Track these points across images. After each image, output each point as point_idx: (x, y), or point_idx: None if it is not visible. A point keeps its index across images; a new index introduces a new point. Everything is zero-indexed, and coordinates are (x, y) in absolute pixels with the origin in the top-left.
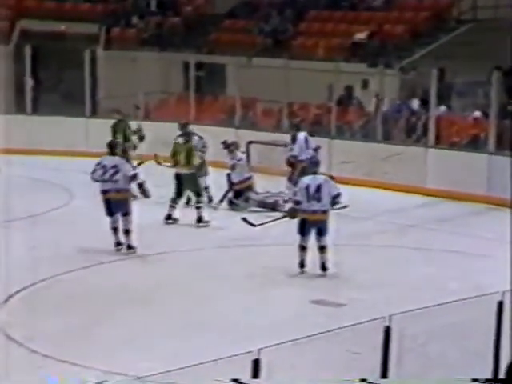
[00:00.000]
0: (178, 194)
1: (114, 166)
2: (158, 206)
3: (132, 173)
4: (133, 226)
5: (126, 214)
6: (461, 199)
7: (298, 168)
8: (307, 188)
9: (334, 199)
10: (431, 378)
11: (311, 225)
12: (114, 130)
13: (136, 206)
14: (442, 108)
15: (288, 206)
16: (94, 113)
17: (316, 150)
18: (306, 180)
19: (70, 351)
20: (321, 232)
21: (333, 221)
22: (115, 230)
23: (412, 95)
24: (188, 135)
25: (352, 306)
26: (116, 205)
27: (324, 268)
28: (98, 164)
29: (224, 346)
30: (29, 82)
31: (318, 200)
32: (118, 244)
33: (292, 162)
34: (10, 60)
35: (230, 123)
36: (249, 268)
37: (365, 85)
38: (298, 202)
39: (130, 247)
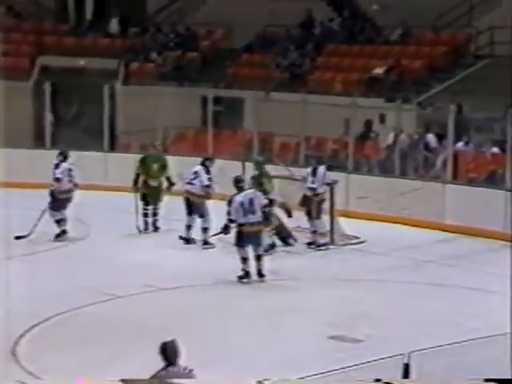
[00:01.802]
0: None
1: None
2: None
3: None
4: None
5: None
6: (478, 235)
7: (315, 202)
8: (242, 204)
9: (265, 208)
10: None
11: (249, 236)
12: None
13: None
14: (460, 144)
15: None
16: (113, 147)
17: (330, 184)
18: (239, 198)
19: None
20: (257, 242)
21: (350, 256)
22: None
23: (429, 130)
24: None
25: (369, 342)
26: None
27: (261, 275)
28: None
29: (242, 382)
30: (48, 117)
31: (253, 213)
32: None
33: (306, 197)
34: (30, 96)
35: (248, 157)
36: (265, 303)
37: (382, 119)
38: (231, 221)
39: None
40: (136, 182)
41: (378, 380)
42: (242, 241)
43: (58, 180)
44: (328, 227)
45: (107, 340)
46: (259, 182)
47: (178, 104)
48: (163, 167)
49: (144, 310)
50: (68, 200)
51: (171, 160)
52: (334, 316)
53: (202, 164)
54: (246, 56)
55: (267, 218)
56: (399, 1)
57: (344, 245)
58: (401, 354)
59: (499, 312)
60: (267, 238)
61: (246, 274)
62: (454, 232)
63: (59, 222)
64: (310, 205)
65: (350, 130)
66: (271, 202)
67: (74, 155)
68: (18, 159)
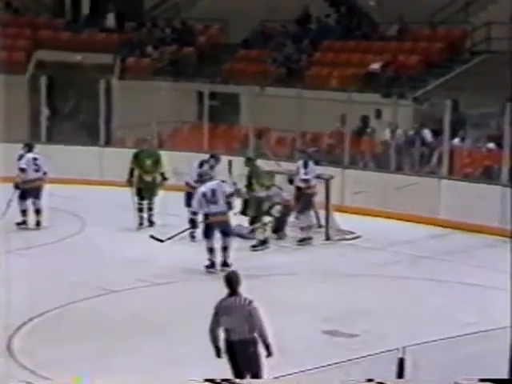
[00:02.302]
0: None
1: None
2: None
3: None
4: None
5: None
6: (473, 231)
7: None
8: (204, 195)
9: (228, 198)
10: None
11: (214, 226)
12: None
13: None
14: (456, 140)
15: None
16: (108, 142)
17: (326, 179)
18: (201, 189)
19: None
20: (224, 233)
21: (345, 251)
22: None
23: (425, 126)
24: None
25: (365, 336)
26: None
27: (226, 264)
28: None
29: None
30: (44, 112)
31: (215, 203)
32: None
33: (299, 189)
34: (25, 90)
35: (244, 152)
36: (259, 298)
37: (378, 115)
38: (195, 213)
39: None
40: (130, 176)
41: (370, 380)
42: (207, 231)
43: (22, 170)
44: (315, 221)
45: (102, 334)
46: (249, 182)
47: (174, 99)
48: (156, 162)
49: (138, 304)
50: (36, 189)
51: (167, 155)
52: (329, 311)
53: (207, 161)
54: (243, 51)
55: (231, 207)
56: None
57: (339, 240)
58: (395, 349)
59: (495, 307)
60: (259, 234)
61: (212, 264)
62: (449, 227)
63: (24, 211)
64: (300, 197)
65: (346, 125)
66: (233, 193)
67: (69, 149)
68: (13, 153)
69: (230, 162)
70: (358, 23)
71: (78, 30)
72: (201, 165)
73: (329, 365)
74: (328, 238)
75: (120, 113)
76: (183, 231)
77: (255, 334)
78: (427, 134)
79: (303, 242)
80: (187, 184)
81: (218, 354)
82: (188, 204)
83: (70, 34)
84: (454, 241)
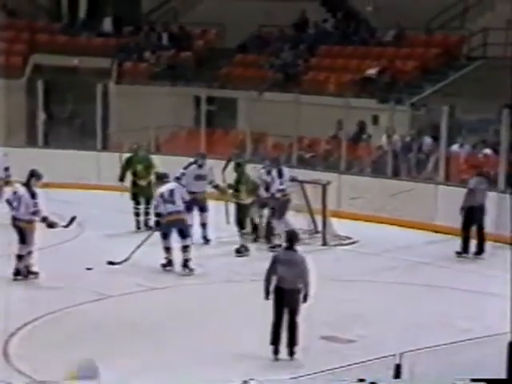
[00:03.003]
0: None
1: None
2: None
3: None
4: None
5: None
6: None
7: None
8: (162, 196)
9: (186, 202)
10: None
11: (171, 226)
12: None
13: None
14: (455, 146)
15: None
16: (105, 146)
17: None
18: (160, 189)
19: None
20: (182, 233)
21: (342, 256)
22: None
23: (422, 132)
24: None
25: (361, 342)
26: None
27: (186, 266)
28: None
29: (236, 379)
30: (41, 116)
31: (172, 203)
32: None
33: (274, 198)
34: (22, 94)
35: (241, 157)
36: (257, 303)
37: (375, 121)
38: (159, 214)
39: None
40: (122, 177)
41: (361, 380)
42: (163, 231)
43: None
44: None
45: (99, 339)
46: (236, 188)
47: (171, 103)
48: (148, 167)
49: (135, 309)
50: None
51: (164, 159)
52: (326, 316)
53: (194, 162)
54: (240, 56)
55: (189, 209)
56: (393, 2)
57: (336, 245)
58: (392, 355)
59: (491, 313)
60: (241, 239)
61: (169, 263)
62: (445, 233)
63: None
64: (276, 205)
65: (343, 130)
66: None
67: (66, 154)
68: (10, 158)
69: (228, 160)
70: (355, 29)
71: (75, 34)
72: (186, 167)
73: (326, 370)
74: (325, 244)
75: (117, 117)
76: (140, 244)
77: (301, 285)
78: (426, 140)
79: (275, 248)
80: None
81: (267, 297)
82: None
83: (67, 38)
84: (451, 247)
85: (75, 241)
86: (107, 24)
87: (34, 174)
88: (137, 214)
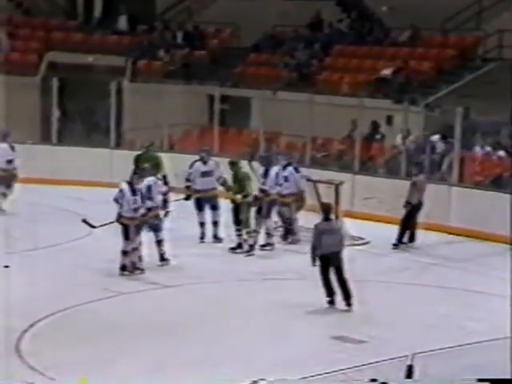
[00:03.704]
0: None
1: None
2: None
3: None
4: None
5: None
6: (483, 239)
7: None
8: (139, 191)
9: (164, 196)
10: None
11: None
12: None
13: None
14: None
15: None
16: (119, 144)
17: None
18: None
19: (90, 381)
20: (155, 228)
21: (354, 256)
22: None
23: (436, 133)
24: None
25: (373, 343)
26: None
27: (163, 259)
28: None
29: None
30: (55, 113)
31: (150, 199)
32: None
33: (257, 198)
34: (37, 91)
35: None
36: (270, 302)
37: (389, 121)
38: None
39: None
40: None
41: (373, 380)
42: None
43: None
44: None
45: (110, 336)
46: (227, 187)
47: (185, 102)
48: (156, 166)
49: (147, 307)
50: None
51: (177, 157)
52: (338, 316)
53: (199, 159)
54: (254, 55)
55: (166, 205)
56: (408, 2)
57: (348, 245)
58: (404, 356)
59: (503, 315)
60: (237, 237)
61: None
62: (459, 235)
63: None
64: (261, 204)
65: (357, 130)
66: (168, 192)
67: (80, 151)
68: (24, 154)
69: (251, 157)
70: (369, 29)
71: (90, 32)
72: (191, 165)
73: (336, 371)
74: None
75: (131, 115)
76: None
77: (343, 248)
78: (439, 141)
79: (265, 246)
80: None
81: (314, 263)
82: (199, 207)
83: (82, 36)
84: (464, 248)
85: (87, 238)
86: (122, 22)
87: (136, 172)
88: None
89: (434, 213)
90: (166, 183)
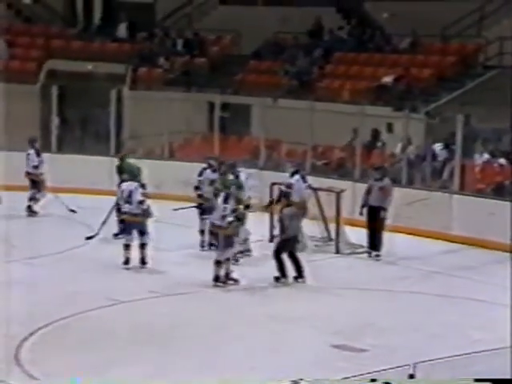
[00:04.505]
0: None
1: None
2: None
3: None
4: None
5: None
6: (485, 247)
7: None
8: (122, 192)
9: (139, 204)
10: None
11: (130, 225)
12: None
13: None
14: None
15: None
16: (119, 152)
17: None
18: (123, 186)
19: None
20: (140, 232)
21: (355, 264)
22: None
23: (438, 141)
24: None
25: (373, 351)
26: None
27: (143, 263)
28: None
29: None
30: (55, 121)
31: (130, 203)
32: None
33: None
34: (36, 99)
35: (254, 164)
36: (269, 310)
37: (390, 128)
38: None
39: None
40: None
41: (373, 380)
42: (123, 228)
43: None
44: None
45: (110, 344)
46: (215, 193)
47: (185, 109)
48: (134, 176)
49: (146, 315)
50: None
51: (177, 165)
52: (339, 324)
53: (208, 167)
54: (254, 62)
55: (147, 214)
56: (409, 9)
57: (349, 253)
58: (406, 365)
59: (505, 324)
60: (238, 245)
61: (127, 261)
62: (460, 243)
63: None
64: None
65: (358, 138)
66: (143, 201)
67: (79, 159)
68: (24, 162)
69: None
70: (370, 36)
71: (90, 40)
72: (200, 173)
73: (336, 380)
74: (338, 252)
75: (131, 123)
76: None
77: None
78: (440, 150)
79: (240, 254)
80: (199, 196)
81: (361, 213)
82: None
83: (82, 44)
84: (465, 256)
85: (88, 246)
86: (122, 30)
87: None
88: (120, 221)
89: (436, 221)
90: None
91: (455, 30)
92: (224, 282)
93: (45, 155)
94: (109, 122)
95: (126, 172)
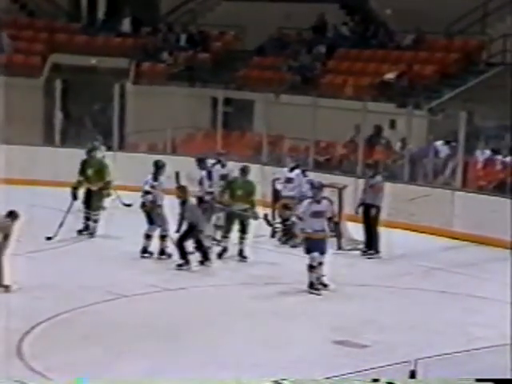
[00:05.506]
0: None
1: None
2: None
3: None
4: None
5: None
6: (486, 244)
7: None
8: None
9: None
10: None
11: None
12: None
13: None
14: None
15: None
16: (122, 146)
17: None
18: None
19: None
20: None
21: (357, 261)
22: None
23: (440, 138)
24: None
25: (375, 347)
26: None
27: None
28: None
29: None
30: (58, 115)
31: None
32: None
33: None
34: (40, 93)
35: (257, 159)
36: (271, 307)
37: (392, 125)
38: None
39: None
40: (76, 186)
41: (375, 380)
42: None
43: None
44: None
45: (112, 339)
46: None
47: (188, 105)
48: (99, 172)
49: (149, 310)
50: None
51: (180, 160)
52: (340, 321)
53: (216, 163)
54: (258, 58)
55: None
56: (412, 6)
57: (351, 250)
58: (406, 361)
59: (506, 321)
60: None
61: (144, 250)
62: (462, 239)
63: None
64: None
65: (360, 134)
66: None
67: (82, 153)
68: (27, 156)
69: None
70: (373, 32)
71: (94, 34)
72: (208, 171)
73: (337, 376)
74: (340, 248)
75: (134, 117)
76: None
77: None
78: (443, 147)
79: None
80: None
81: (357, 212)
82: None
83: (86, 38)
84: (467, 253)
85: (90, 240)
86: (126, 24)
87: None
88: (87, 219)
89: (437, 217)
90: (108, 195)
91: (459, 27)
92: (317, 289)
93: (48, 149)
94: (112, 117)
95: (93, 168)
